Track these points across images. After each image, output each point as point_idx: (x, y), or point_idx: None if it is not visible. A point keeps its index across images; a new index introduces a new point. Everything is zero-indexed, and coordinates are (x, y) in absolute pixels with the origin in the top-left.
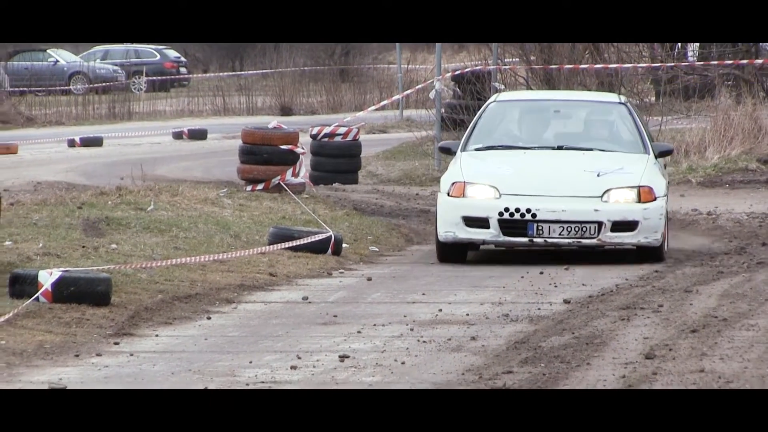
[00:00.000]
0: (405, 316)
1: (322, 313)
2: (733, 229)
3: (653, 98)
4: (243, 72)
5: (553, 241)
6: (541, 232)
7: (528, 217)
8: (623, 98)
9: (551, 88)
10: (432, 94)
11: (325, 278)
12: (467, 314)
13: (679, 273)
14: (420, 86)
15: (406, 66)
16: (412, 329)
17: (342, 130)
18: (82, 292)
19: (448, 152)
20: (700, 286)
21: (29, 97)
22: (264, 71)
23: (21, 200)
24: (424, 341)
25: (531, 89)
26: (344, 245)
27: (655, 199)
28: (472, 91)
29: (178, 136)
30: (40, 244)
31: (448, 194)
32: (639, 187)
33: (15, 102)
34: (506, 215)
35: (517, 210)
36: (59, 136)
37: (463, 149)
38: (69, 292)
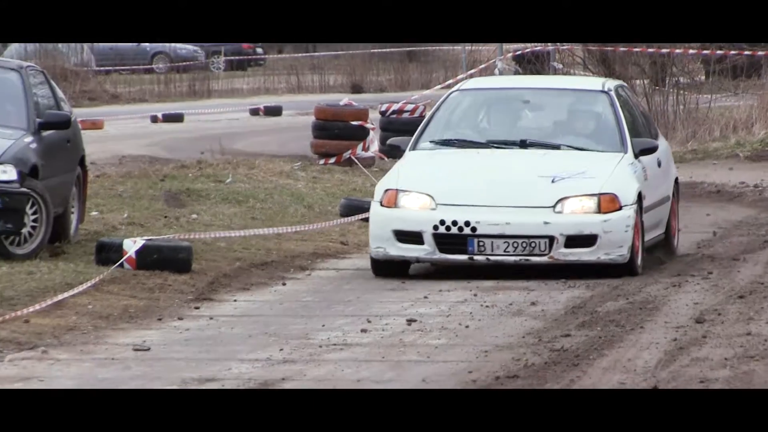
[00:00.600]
0: (469, 283)
1: (391, 279)
2: None
3: (703, 77)
4: (316, 53)
5: (497, 258)
6: (482, 248)
7: (467, 231)
8: (610, 84)
9: (607, 69)
10: (495, 73)
11: None
12: (527, 281)
13: (726, 242)
14: (483, 66)
15: (469, 47)
16: (475, 295)
17: (409, 107)
18: (164, 260)
19: (397, 151)
20: (747, 254)
21: (114, 76)
22: (336, 52)
23: (107, 173)
24: (486, 306)
25: (588, 69)
26: None
27: (619, 208)
28: (532, 70)
29: (254, 112)
30: (125, 215)
31: (381, 204)
32: (599, 194)
33: (101, 80)
34: (442, 229)
35: (455, 223)
36: (142, 112)
37: (413, 147)
38: (152, 259)
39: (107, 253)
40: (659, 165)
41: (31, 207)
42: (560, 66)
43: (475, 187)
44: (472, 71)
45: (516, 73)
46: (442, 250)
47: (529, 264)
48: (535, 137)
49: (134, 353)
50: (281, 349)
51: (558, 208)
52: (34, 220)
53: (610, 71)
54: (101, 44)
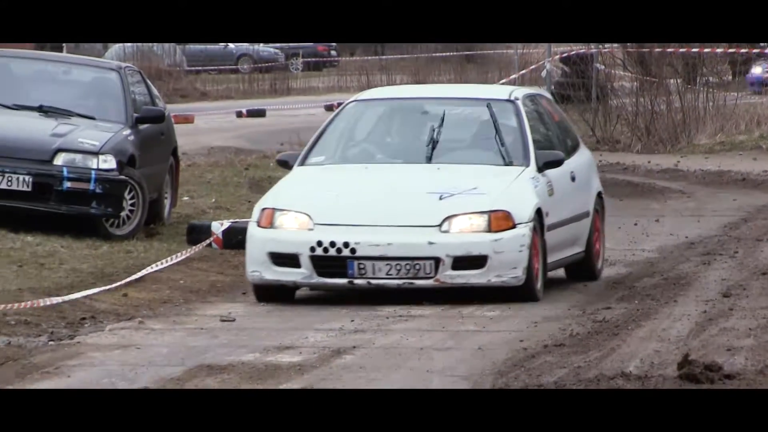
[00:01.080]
0: None
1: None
2: None
3: (730, 76)
4: (384, 56)
5: (379, 282)
6: (363, 271)
7: (346, 252)
8: (518, 93)
9: (644, 69)
10: (543, 74)
11: None
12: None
13: (752, 224)
14: (533, 66)
15: (521, 50)
16: None
17: None
18: None
19: (285, 166)
20: None
21: (203, 75)
22: (402, 56)
23: (197, 162)
24: None
25: (627, 70)
26: None
27: (513, 226)
28: (577, 70)
29: (329, 108)
30: (213, 200)
31: (257, 224)
32: (490, 212)
33: (191, 79)
34: (320, 251)
35: (333, 244)
36: (229, 108)
37: (302, 162)
38: (237, 240)
39: (197, 234)
40: (573, 179)
41: (128, 193)
42: (602, 67)
43: (357, 205)
44: (523, 72)
45: (563, 74)
46: (320, 274)
47: (414, 288)
48: (431, 150)
49: (221, 323)
50: (352, 320)
51: (445, 227)
52: (132, 205)
53: (647, 71)
54: (192, 46)
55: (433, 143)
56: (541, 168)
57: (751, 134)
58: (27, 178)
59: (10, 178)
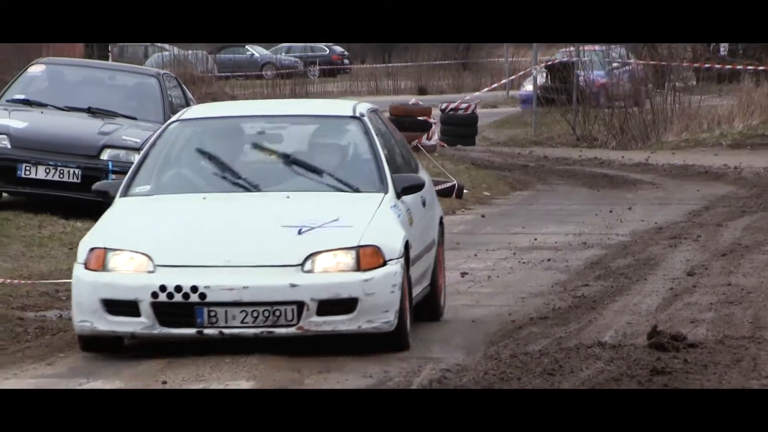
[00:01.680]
0: (509, 244)
1: (448, 241)
2: (754, 179)
3: (694, 82)
4: (391, 63)
5: (233, 331)
6: (214, 319)
7: (195, 298)
8: (362, 108)
9: None
10: (530, 79)
11: (450, 215)
12: (556, 242)
13: (713, 212)
14: (521, 73)
15: (511, 58)
16: (514, 253)
17: (464, 105)
18: None
19: (105, 197)
20: (729, 221)
21: (232, 81)
22: (406, 63)
23: None
24: (523, 262)
25: None
26: (465, 191)
27: (383, 263)
28: (560, 77)
29: None
30: None
31: (85, 266)
32: (358, 247)
33: (221, 84)
34: (163, 296)
35: (179, 289)
36: None
37: (125, 193)
38: None
39: None
40: (424, 204)
41: None
42: (582, 74)
43: (204, 242)
44: (513, 77)
45: (546, 79)
46: (163, 323)
47: (274, 337)
48: (271, 178)
49: None
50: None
51: (307, 266)
52: None
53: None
54: (222, 55)
55: (271, 168)
56: (400, 194)
57: (712, 132)
58: (77, 170)
59: (62, 171)
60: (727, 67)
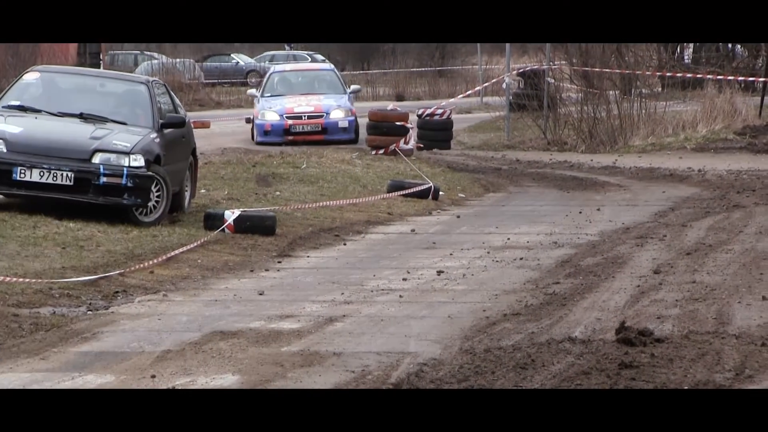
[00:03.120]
0: (483, 243)
1: (425, 241)
2: (717, 181)
3: (660, 89)
4: (370, 70)
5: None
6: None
7: None
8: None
9: (588, 83)
10: (503, 86)
11: (426, 216)
12: (528, 241)
13: (678, 212)
14: (495, 80)
15: (485, 66)
16: (488, 252)
17: (439, 111)
18: (255, 226)
19: None
20: (693, 221)
21: (218, 88)
22: (385, 70)
23: (212, 161)
24: (497, 261)
25: (574, 83)
26: (440, 193)
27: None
28: (532, 84)
29: None
30: (226, 192)
31: None
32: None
33: (208, 91)
34: None
35: None
36: (239, 115)
37: None
38: (246, 225)
39: (212, 221)
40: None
41: (155, 186)
42: (553, 81)
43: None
44: (486, 84)
45: (519, 85)
46: None
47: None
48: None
49: (232, 296)
50: (342, 293)
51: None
52: (158, 196)
53: (590, 84)
54: (209, 63)
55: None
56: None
57: (677, 137)
58: (69, 173)
59: (55, 174)
60: (689, 75)
